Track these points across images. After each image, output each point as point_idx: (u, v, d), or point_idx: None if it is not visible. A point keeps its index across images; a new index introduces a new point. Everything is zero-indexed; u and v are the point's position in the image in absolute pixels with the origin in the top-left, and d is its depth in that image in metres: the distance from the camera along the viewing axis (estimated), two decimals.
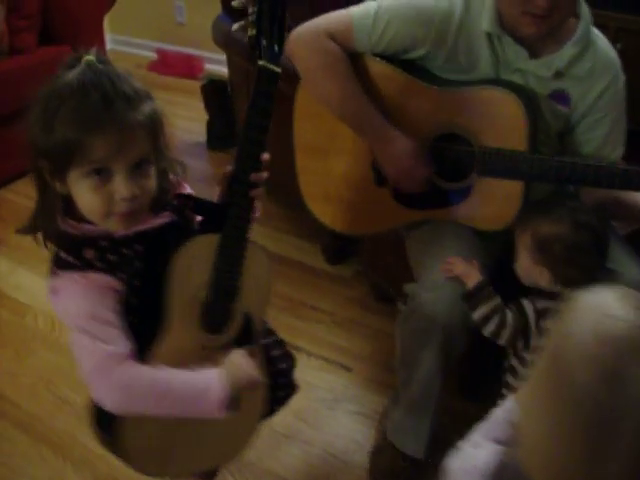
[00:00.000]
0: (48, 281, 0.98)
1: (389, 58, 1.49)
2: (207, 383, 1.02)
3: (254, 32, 1.06)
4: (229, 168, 1.09)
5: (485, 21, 1.41)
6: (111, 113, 0.88)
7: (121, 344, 0.98)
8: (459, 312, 1.38)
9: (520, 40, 1.41)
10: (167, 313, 1.07)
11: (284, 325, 1.64)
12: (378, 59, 1.49)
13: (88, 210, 0.95)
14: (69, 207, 0.96)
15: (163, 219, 1.04)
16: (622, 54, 1.49)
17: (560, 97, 1.47)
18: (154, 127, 0.94)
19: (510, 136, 1.43)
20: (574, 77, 1.45)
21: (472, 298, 1.37)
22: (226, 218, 1.07)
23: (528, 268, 1.33)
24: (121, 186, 0.91)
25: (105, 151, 0.88)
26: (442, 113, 1.47)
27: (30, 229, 0.99)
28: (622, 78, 1.47)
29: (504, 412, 0.92)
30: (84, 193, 0.92)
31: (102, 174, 0.91)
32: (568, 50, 1.42)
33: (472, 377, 1.82)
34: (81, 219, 0.97)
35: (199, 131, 3.24)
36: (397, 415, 1.57)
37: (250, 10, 1.08)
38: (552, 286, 1.32)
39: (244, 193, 1.09)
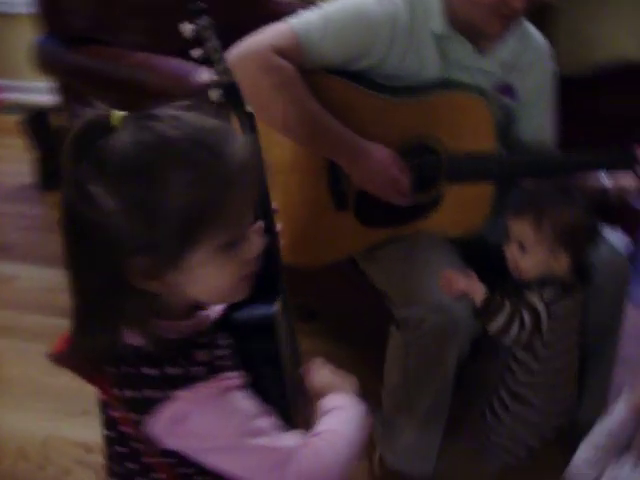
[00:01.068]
0: (159, 414, 0.72)
1: (336, 71, 1.36)
2: (353, 406, 0.87)
3: None
4: None
5: (435, 23, 1.36)
6: (233, 165, 0.68)
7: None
8: (472, 329, 1.32)
9: (469, 38, 1.37)
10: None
11: None
12: (329, 73, 1.36)
13: (213, 289, 0.73)
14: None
15: None
16: None
17: (506, 90, 1.47)
18: None
19: (478, 138, 1.40)
20: (519, 69, 1.46)
21: (485, 312, 1.31)
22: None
23: (544, 259, 1.31)
24: (256, 241, 0.74)
25: (243, 210, 0.71)
26: (406, 125, 1.39)
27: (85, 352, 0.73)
28: (552, 62, 1.51)
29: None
30: (212, 271, 0.71)
31: (238, 240, 0.72)
32: (511, 43, 1.43)
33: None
34: (170, 317, 0.74)
35: (21, 172, 2.80)
36: (404, 440, 1.48)
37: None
38: (566, 272, 1.32)
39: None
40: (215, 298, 0.76)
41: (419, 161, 1.40)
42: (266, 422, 0.76)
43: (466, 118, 1.39)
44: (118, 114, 0.69)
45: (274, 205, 0.94)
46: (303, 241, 1.49)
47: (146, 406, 0.72)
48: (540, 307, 1.32)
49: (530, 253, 1.31)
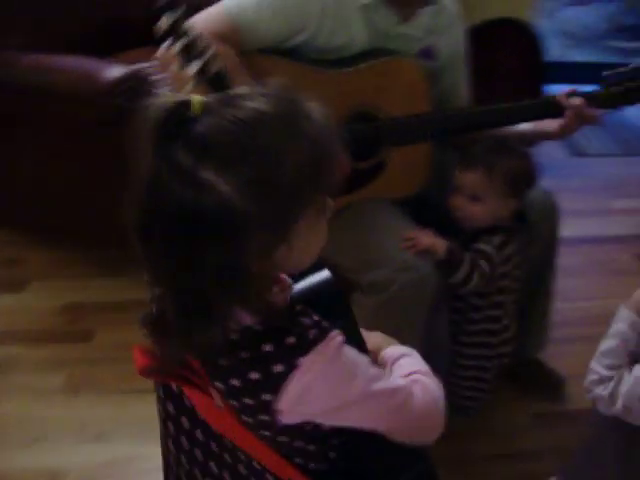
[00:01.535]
0: (286, 387, 0.70)
1: (270, 50, 1.37)
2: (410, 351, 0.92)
3: None
4: None
5: None
6: (321, 126, 0.70)
7: None
8: (437, 284, 1.39)
9: (394, 6, 1.42)
10: None
11: None
12: (264, 53, 1.35)
13: (314, 253, 0.75)
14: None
15: None
16: None
17: (427, 53, 1.54)
18: None
19: (414, 101, 1.46)
20: (439, 31, 1.53)
21: (448, 265, 1.39)
22: None
23: (495, 206, 1.41)
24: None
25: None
26: (345, 95, 1.42)
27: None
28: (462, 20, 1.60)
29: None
30: (316, 233, 0.73)
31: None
32: (431, 7, 1.48)
33: None
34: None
35: None
36: None
37: None
38: (510, 217, 1.44)
39: None
40: (312, 260, 0.77)
41: (361, 130, 1.44)
42: (376, 368, 0.79)
43: (401, 82, 1.45)
44: (198, 99, 0.66)
45: None
46: None
47: (270, 384, 0.70)
48: (493, 253, 1.42)
49: (483, 202, 1.41)
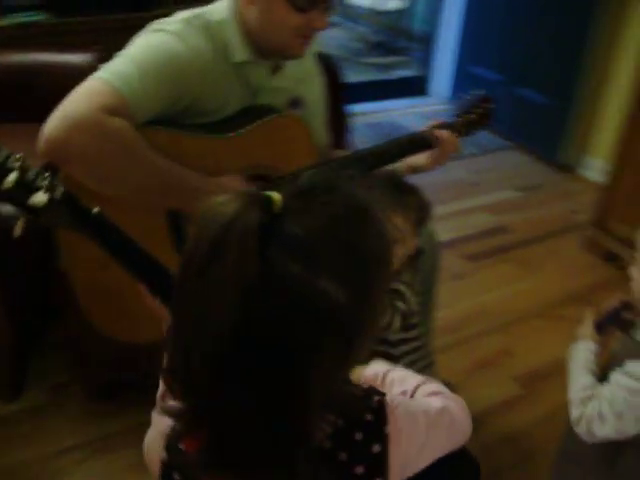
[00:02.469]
0: (391, 463, 0.72)
1: (153, 122, 1.23)
2: None
3: None
4: None
5: (239, 53, 1.32)
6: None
7: None
8: None
9: (270, 60, 1.38)
10: None
11: None
12: (151, 126, 1.21)
13: None
14: None
15: None
16: None
17: (295, 103, 1.52)
18: None
19: (304, 153, 1.43)
20: (304, 80, 1.52)
21: None
22: None
23: (413, 243, 1.40)
24: None
25: None
26: (238, 160, 1.33)
27: None
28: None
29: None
30: None
31: None
32: None
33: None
34: None
35: None
36: None
37: None
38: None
39: None
40: None
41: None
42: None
43: (288, 138, 1.40)
44: (277, 196, 0.59)
45: None
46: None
47: (377, 469, 0.72)
48: (407, 291, 1.43)
49: (402, 243, 1.39)
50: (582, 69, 3.24)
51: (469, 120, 1.67)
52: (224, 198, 0.61)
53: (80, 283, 1.21)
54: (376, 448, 0.71)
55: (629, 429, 1.08)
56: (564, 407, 1.19)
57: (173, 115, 1.26)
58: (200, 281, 0.58)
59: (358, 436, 0.70)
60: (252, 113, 1.37)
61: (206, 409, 0.64)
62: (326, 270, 0.58)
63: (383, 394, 0.74)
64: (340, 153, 1.57)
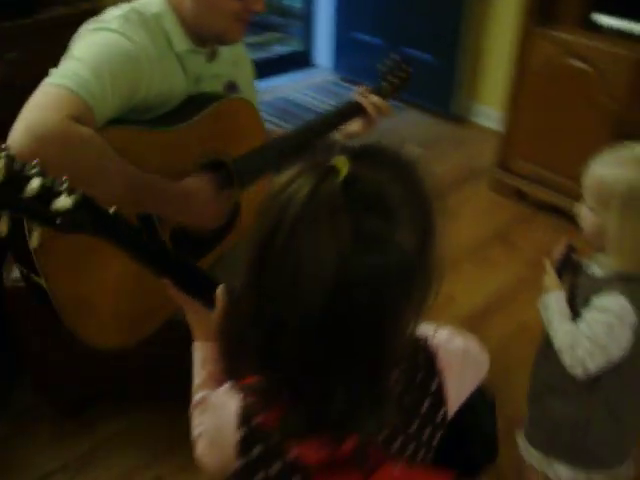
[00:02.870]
0: (448, 393, 0.81)
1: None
2: None
3: None
4: None
5: (180, 42, 1.33)
6: None
7: None
8: None
9: (200, 47, 1.38)
10: None
11: None
12: (107, 127, 1.19)
13: None
14: None
15: None
16: None
17: (232, 87, 1.53)
18: None
19: (254, 135, 1.45)
20: (237, 63, 1.54)
21: None
22: None
23: None
24: None
25: None
26: (191, 148, 1.33)
27: None
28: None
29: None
30: None
31: None
32: None
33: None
34: None
35: None
36: None
37: None
38: None
39: None
40: None
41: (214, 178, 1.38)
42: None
43: (238, 122, 1.42)
44: (342, 162, 0.63)
45: None
46: (143, 311, 1.33)
47: (438, 400, 0.79)
48: None
49: None
50: (461, 22, 3.42)
51: (393, 83, 1.75)
52: (288, 178, 0.64)
53: (62, 298, 1.17)
54: (434, 384, 0.77)
55: (615, 356, 1.20)
56: (511, 340, 1.27)
57: (122, 114, 1.24)
58: (290, 256, 0.61)
59: (419, 376, 0.76)
60: (199, 101, 1.37)
61: (291, 377, 0.67)
62: (401, 221, 0.63)
63: (425, 336, 0.80)
64: (279, 132, 1.60)
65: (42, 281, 1.14)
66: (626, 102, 2.44)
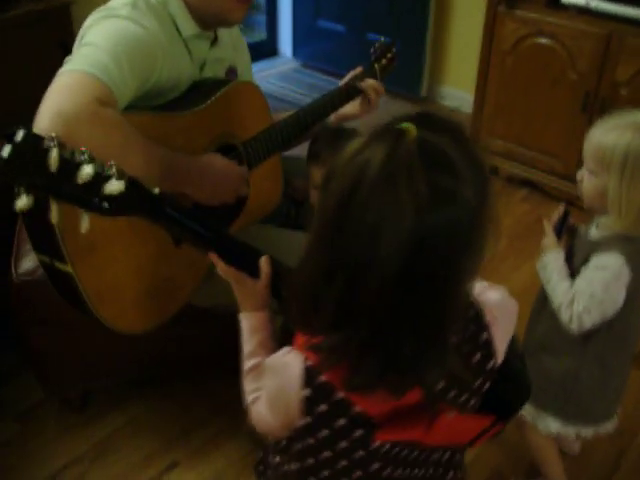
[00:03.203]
0: (495, 345, 0.85)
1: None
2: None
3: None
4: None
5: (186, 27, 1.34)
6: None
7: None
8: None
9: (202, 31, 1.40)
10: None
11: None
12: (126, 112, 1.20)
13: None
14: None
15: None
16: None
17: (232, 72, 1.56)
18: None
19: (260, 118, 1.48)
20: (236, 47, 1.57)
21: None
22: None
23: None
24: None
25: None
26: (204, 133, 1.35)
27: None
28: None
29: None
30: None
31: None
32: None
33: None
34: None
35: None
36: None
37: None
38: None
39: None
40: None
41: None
42: None
43: (247, 106, 1.45)
44: (411, 126, 0.68)
45: None
46: (164, 293, 1.34)
47: (488, 352, 0.83)
48: None
49: None
50: (427, 6, 3.48)
51: (383, 66, 1.80)
52: (360, 144, 0.68)
53: (89, 283, 1.18)
54: (484, 336, 0.81)
55: (609, 311, 1.28)
56: None
57: (136, 100, 1.25)
58: (369, 214, 0.65)
59: (471, 328, 0.81)
60: (207, 85, 1.39)
61: (362, 333, 0.71)
62: (466, 179, 0.67)
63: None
64: (282, 114, 1.63)
65: (68, 267, 1.15)
66: (592, 77, 2.54)
